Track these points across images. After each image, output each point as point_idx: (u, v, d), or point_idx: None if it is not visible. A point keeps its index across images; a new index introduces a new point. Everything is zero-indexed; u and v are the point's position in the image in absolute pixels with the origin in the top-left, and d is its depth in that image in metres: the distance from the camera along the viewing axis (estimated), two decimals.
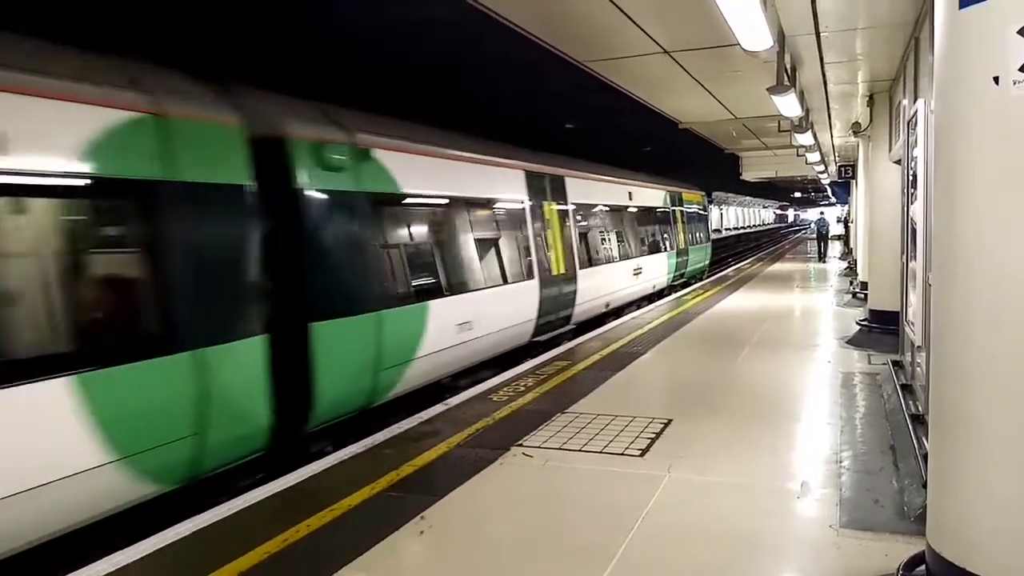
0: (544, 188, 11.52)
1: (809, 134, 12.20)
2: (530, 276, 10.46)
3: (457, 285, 8.57)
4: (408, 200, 7.94)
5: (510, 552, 3.90)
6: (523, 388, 7.47)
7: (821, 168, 21.73)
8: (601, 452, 5.35)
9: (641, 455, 5.24)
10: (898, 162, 7.59)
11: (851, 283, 16.15)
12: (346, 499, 4.61)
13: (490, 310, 9.12)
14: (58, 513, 4.30)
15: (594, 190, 14.05)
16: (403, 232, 7.85)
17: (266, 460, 5.81)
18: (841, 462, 4.98)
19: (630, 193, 16.37)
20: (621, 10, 6.11)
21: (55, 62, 4.60)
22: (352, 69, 12.70)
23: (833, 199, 57.96)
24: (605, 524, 4.13)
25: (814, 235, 33.10)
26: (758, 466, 4.99)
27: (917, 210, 5.14)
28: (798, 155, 17.85)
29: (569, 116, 19.20)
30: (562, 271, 11.55)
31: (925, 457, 4.31)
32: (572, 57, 7.83)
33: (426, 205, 8.41)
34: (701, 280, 21.39)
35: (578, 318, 12.34)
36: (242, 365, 5.40)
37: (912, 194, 5.64)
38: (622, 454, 5.28)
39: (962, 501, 2.57)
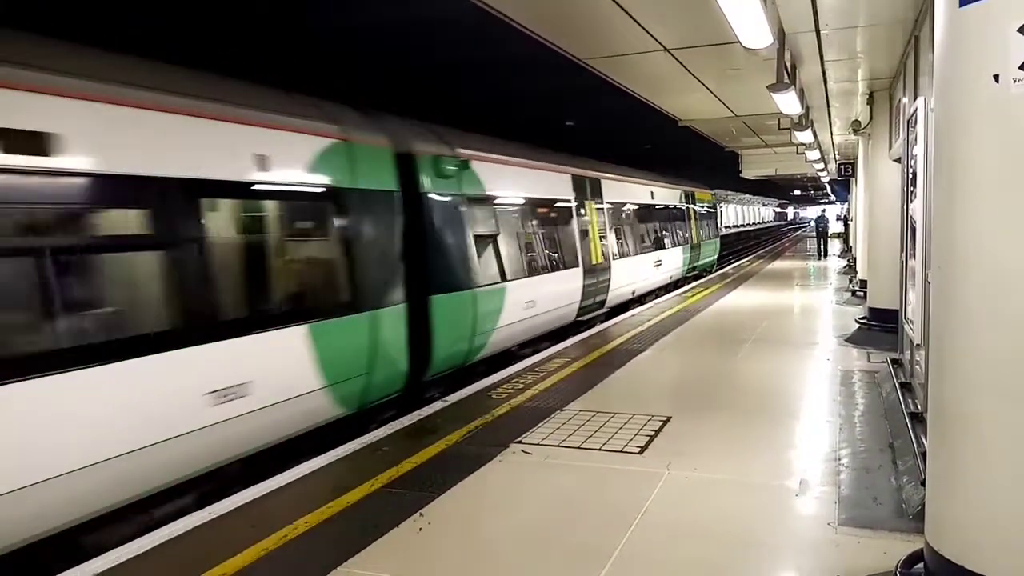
0: (585, 188, 13.14)
1: (809, 132, 12.18)
2: (576, 265, 12.08)
3: (525, 270, 10.33)
4: (492, 200, 9.67)
5: (509, 549, 3.90)
6: (522, 385, 7.47)
7: (821, 166, 21.73)
8: (600, 449, 5.35)
9: (640, 452, 5.24)
10: (898, 160, 7.58)
11: (850, 281, 16.15)
12: (345, 496, 4.61)
13: (548, 292, 10.83)
14: (293, 419, 5.89)
15: (624, 190, 15.57)
16: (489, 226, 9.40)
17: (398, 401, 7.39)
18: (840, 460, 4.98)
19: (652, 192, 17.88)
20: (621, 7, 6.10)
21: (286, 103, 6.34)
22: (351, 68, 12.69)
23: (833, 197, 57.95)
24: (604, 521, 4.13)
25: (814, 233, 33.18)
26: (757, 463, 4.99)
27: (917, 208, 5.14)
28: (798, 153, 17.85)
29: (569, 113, 19.20)
30: (599, 261, 13.17)
31: (924, 455, 4.31)
32: (572, 54, 7.81)
33: (504, 204, 10.11)
34: (711, 273, 22.51)
35: (611, 303, 13.85)
36: (394, 324, 7.09)
37: (912, 192, 5.64)
38: (621, 451, 5.28)
39: (960, 499, 2.57)
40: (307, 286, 6.49)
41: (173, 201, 5.03)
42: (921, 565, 2.96)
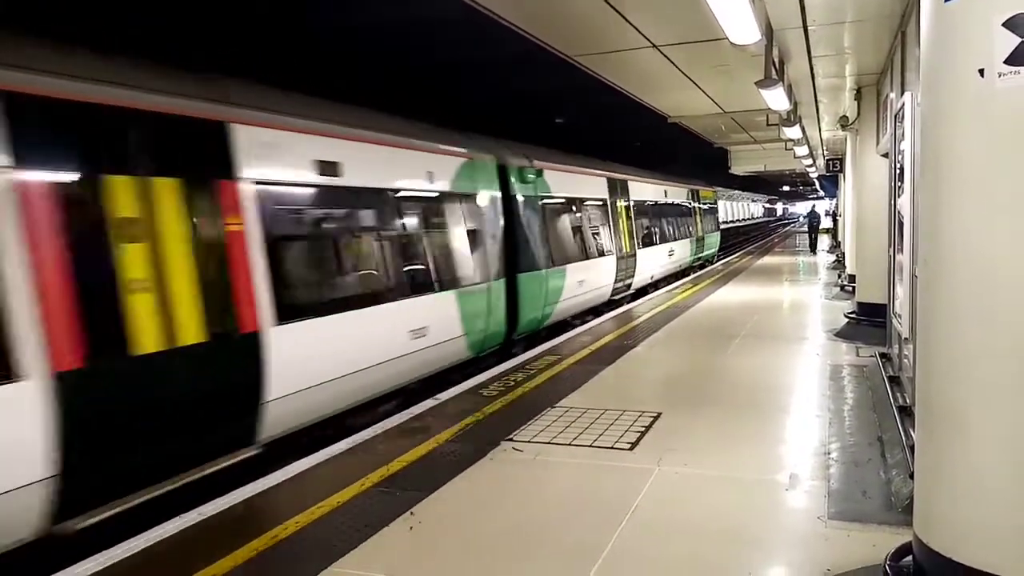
0: (617, 188, 15.67)
1: (797, 128, 12.22)
2: (611, 253, 14.65)
3: (577, 255, 12.83)
4: (556, 201, 12.29)
5: (500, 547, 3.90)
6: (513, 383, 7.47)
7: (809, 162, 21.81)
8: (591, 446, 5.36)
9: (631, 448, 5.25)
10: (885, 155, 7.62)
11: (839, 276, 16.22)
12: (335, 495, 4.60)
13: (592, 275, 13.35)
14: (448, 356, 8.44)
15: (645, 189, 18.11)
16: (554, 220, 12.08)
17: (497, 352, 9.91)
18: (829, 454, 5.00)
19: (665, 191, 20.37)
20: (610, 4, 6.09)
21: (436, 134, 8.94)
22: (349, 68, 12.67)
23: (821, 193, 58.09)
24: (595, 518, 4.14)
25: (805, 227, 33.71)
26: (747, 458, 5.01)
27: (904, 203, 5.16)
28: (786, 149, 17.91)
29: (558, 111, 19.20)
30: (627, 250, 15.73)
31: (912, 449, 4.34)
32: (561, 51, 7.81)
33: (563, 203, 12.66)
34: (712, 263, 25.14)
35: (635, 286, 16.45)
36: (499, 294, 9.66)
37: (899, 187, 5.66)
38: (612, 447, 5.29)
39: (949, 492, 2.58)
40: (454, 262, 8.86)
41: (392, 205, 7.80)
42: (910, 558, 2.98)
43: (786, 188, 62.63)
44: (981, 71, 2.41)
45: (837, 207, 30.30)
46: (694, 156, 24.97)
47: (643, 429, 5.67)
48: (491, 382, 7.56)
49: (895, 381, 6.22)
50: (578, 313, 12.94)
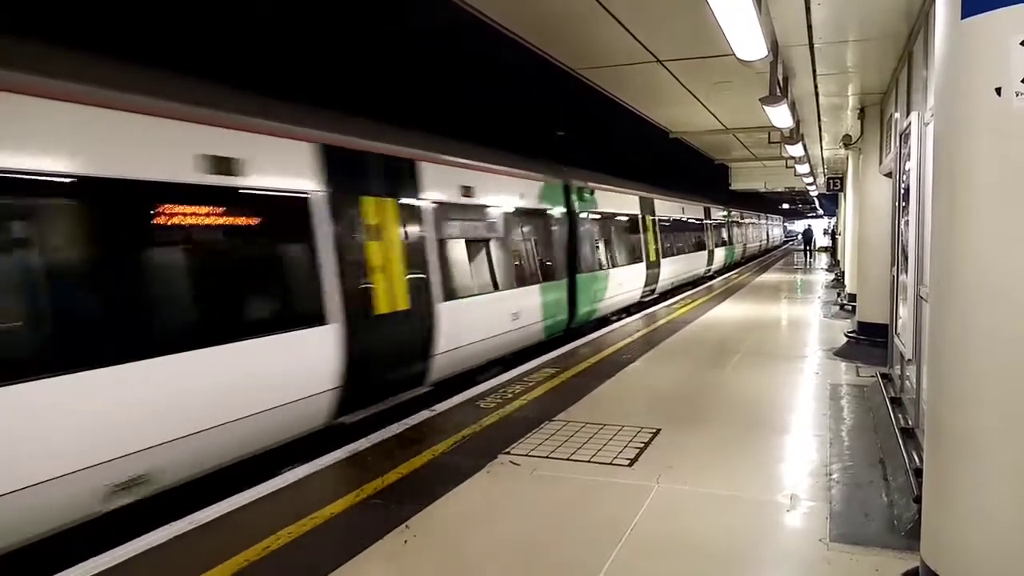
0: (648, 206, 18.47)
1: (799, 146, 12.21)
2: (640, 261, 17.13)
3: (614, 262, 15.48)
4: (601, 216, 14.81)
5: (496, 563, 3.83)
6: (510, 395, 7.40)
7: (810, 180, 21.82)
8: (589, 461, 5.29)
9: (630, 465, 5.18)
10: (888, 175, 7.60)
11: (838, 295, 16.18)
12: (329, 506, 4.53)
13: (626, 278, 15.98)
14: (528, 338, 10.74)
15: (668, 207, 20.86)
16: (601, 233, 14.78)
17: (560, 340, 11.94)
18: (831, 475, 4.94)
19: (683, 208, 23.06)
20: (616, 18, 6.08)
21: (523, 162, 11.56)
22: (349, 78, 12.72)
23: (820, 211, 58.16)
24: (593, 535, 4.07)
25: (802, 243, 35.38)
26: (747, 478, 4.94)
27: (909, 223, 5.13)
28: (787, 167, 17.91)
29: (559, 123, 19.27)
30: (653, 259, 18.16)
31: (916, 471, 4.28)
32: (565, 64, 7.78)
33: (605, 218, 15.14)
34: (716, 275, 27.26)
35: (660, 290, 19.10)
36: (563, 290, 12.24)
37: (904, 207, 5.63)
38: (611, 463, 5.22)
39: (959, 519, 2.52)
40: (538, 264, 11.53)
41: (509, 220, 10.62)
42: None
43: (786, 206, 62.47)
44: (998, 90, 2.37)
45: (836, 226, 30.34)
46: (694, 172, 25.00)
47: (642, 445, 5.60)
48: (488, 394, 7.49)
49: (897, 402, 6.17)
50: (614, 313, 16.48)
